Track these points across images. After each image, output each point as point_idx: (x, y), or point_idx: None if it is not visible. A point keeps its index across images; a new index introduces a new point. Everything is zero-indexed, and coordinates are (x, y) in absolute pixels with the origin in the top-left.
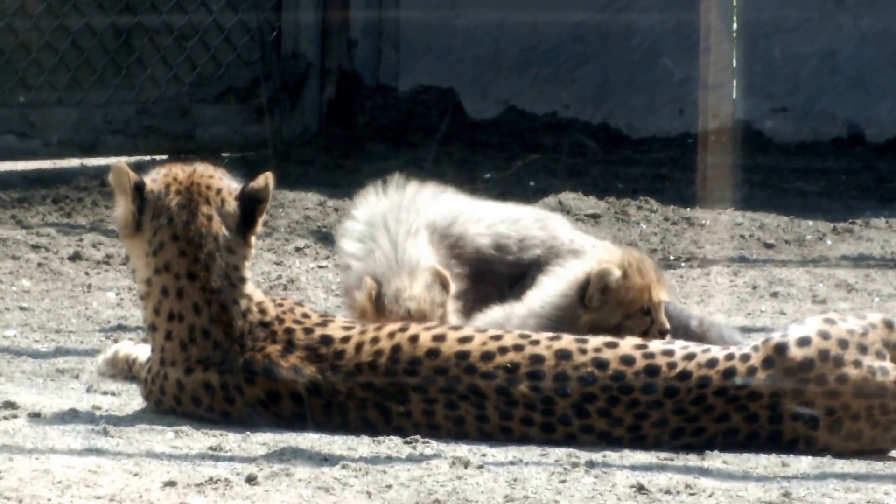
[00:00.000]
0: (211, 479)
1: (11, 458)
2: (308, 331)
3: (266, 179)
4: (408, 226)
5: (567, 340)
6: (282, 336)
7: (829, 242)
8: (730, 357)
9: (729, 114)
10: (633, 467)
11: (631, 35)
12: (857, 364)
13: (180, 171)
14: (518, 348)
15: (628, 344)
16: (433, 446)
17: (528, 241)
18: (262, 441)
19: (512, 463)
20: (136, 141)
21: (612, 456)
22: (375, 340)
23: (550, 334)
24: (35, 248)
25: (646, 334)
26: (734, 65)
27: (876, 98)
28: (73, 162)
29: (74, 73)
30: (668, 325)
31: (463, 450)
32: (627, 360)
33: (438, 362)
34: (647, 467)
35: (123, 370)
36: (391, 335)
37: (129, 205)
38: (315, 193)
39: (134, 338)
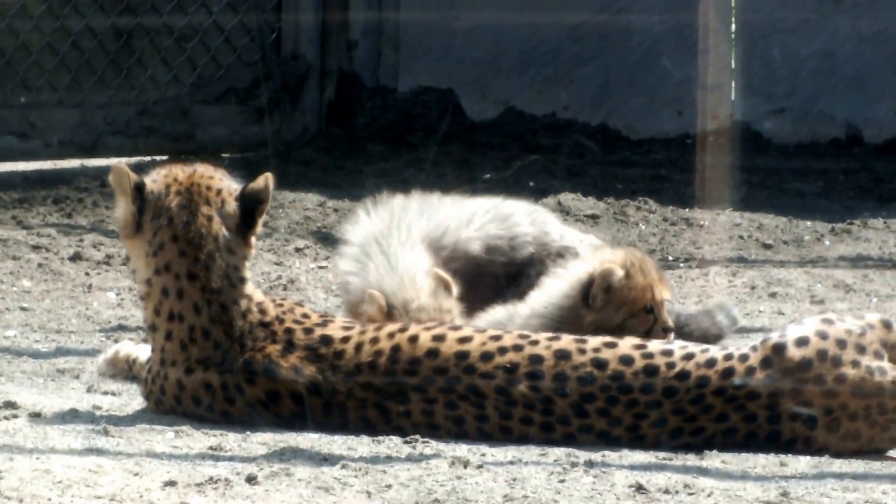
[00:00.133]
0: (211, 478)
1: (12, 457)
2: (308, 331)
3: (266, 180)
4: (400, 239)
5: (566, 340)
6: (282, 336)
7: (827, 243)
8: (728, 357)
9: (727, 115)
10: (632, 467)
11: (630, 36)
12: (855, 364)
13: (180, 171)
14: (517, 348)
15: (627, 344)
16: (433, 446)
17: (520, 239)
18: (262, 441)
19: (511, 462)
20: (136, 142)
21: (611, 455)
22: (375, 341)
23: (550, 334)
24: (36, 248)
25: (649, 332)
26: (733, 66)
27: (874, 99)
28: (73, 163)
29: (75, 74)
30: (671, 323)
31: (462, 449)
32: (626, 360)
33: (438, 362)
34: (646, 467)
35: (124, 370)
36: (391, 335)
37: (130, 205)
38: (315, 194)
39: (134, 338)
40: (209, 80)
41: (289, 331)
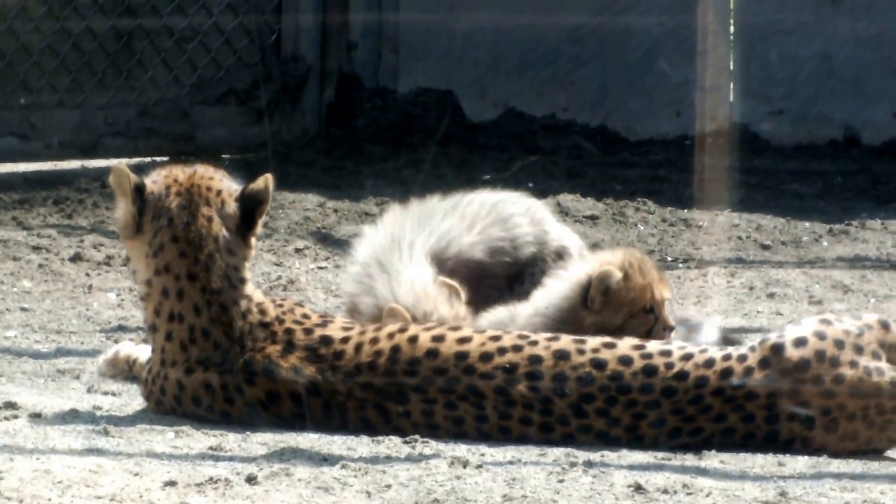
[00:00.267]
0: (211, 478)
1: (12, 458)
2: (308, 331)
3: (266, 181)
4: (402, 258)
5: (565, 341)
6: (282, 336)
7: (825, 244)
8: (727, 357)
9: (726, 116)
10: (631, 467)
11: (629, 38)
12: (853, 364)
13: (180, 172)
14: (517, 349)
15: (626, 344)
16: (432, 446)
17: (522, 240)
18: (262, 441)
19: (510, 462)
20: (136, 143)
21: (609, 455)
22: (375, 341)
23: (549, 335)
24: (36, 249)
25: (651, 331)
26: (731, 68)
27: (872, 101)
28: (73, 164)
29: (75, 76)
30: (672, 322)
31: (462, 449)
32: (625, 361)
33: (437, 363)
34: (645, 467)
35: (124, 371)
36: (390, 336)
37: (130, 206)
38: (315, 195)
39: (134, 338)
40: (209, 81)
41: (289, 331)
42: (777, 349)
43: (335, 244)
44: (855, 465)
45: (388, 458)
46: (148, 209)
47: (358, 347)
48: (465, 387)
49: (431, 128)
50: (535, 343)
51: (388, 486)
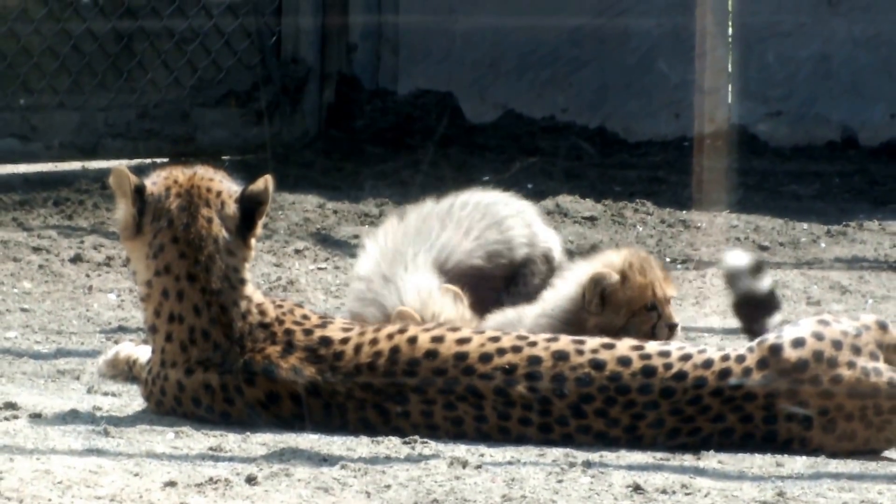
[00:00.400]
0: (211, 479)
1: (12, 458)
2: (308, 332)
3: (266, 182)
4: (408, 266)
5: (564, 342)
6: (281, 337)
7: (823, 245)
8: (725, 358)
9: (724, 118)
10: (630, 467)
11: (628, 40)
12: (851, 365)
13: (181, 173)
14: (516, 350)
15: (625, 345)
16: (431, 446)
17: (516, 241)
18: (261, 441)
19: (510, 463)
20: (136, 144)
21: (608, 456)
22: (374, 342)
23: (548, 335)
24: (36, 250)
25: (654, 329)
26: (730, 69)
27: (869, 102)
28: (74, 165)
29: (76, 77)
30: (675, 319)
31: (461, 450)
32: (624, 361)
33: (437, 363)
34: (644, 467)
35: (124, 371)
36: (390, 336)
37: (130, 207)
38: (314, 196)
39: (134, 339)
40: (209, 83)
41: (288, 332)
42: (775, 350)
43: (335, 245)
44: (853, 466)
45: (388, 459)
46: (148, 210)
47: (357, 348)
48: (465, 387)
49: (431, 129)
50: (534, 344)
51: (388, 487)
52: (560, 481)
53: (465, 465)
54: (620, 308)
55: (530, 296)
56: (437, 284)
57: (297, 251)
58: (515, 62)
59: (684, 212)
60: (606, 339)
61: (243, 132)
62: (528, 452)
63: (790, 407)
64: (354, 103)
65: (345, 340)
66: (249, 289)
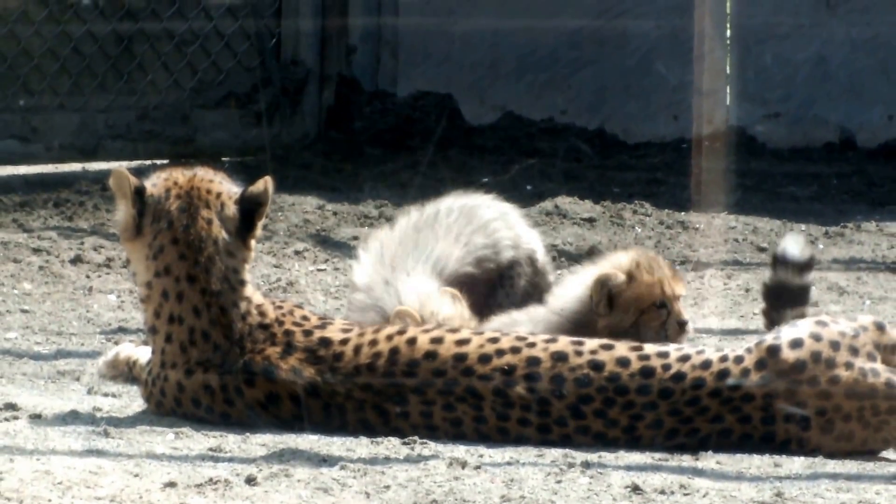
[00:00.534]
0: (211, 479)
1: (12, 459)
2: (307, 333)
3: (265, 183)
4: (406, 272)
5: (563, 343)
6: (281, 338)
7: (820, 246)
8: (724, 359)
9: (723, 119)
10: (629, 468)
11: (626, 42)
12: (849, 366)
13: (180, 175)
14: (515, 351)
15: (624, 346)
16: (431, 447)
17: (502, 244)
18: (261, 442)
19: (509, 463)
20: (136, 145)
21: (607, 456)
22: (374, 343)
23: (547, 336)
24: (36, 251)
25: (665, 327)
26: (728, 71)
27: (867, 104)
28: (74, 166)
29: (76, 79)
30: (685, 316)
31: (460, 450)
32: (623, 362)
33: (436, 364)
34: (642, 468)
35: (124, 372)
36: (389, 338)
37: (130, 209)
38: (314, 197)
39: (134, 340)
40: (209, 84)
41: (288, 333)
42: (773, 350)
43: (334, 246)
44: (850, 466)
45: (387, 459)
46: (148, 212)
47: (357, 349)
48: (464, 388)
49: (430, 131)
50: (533, 345)
51: (387, 487)
52: (559, 482)
53: (464, 465)
54: (629, 307)
55: (517, 297)
56: (436, 286)
57: (297, 252)
58: (514, 64)
59: (683, 213)
60: (605, 341)
61: (243, 134)
62: (527, 453)
63: (788, 407)
64: (354, 105)
65: (344, 341)
66: (249, 290)
